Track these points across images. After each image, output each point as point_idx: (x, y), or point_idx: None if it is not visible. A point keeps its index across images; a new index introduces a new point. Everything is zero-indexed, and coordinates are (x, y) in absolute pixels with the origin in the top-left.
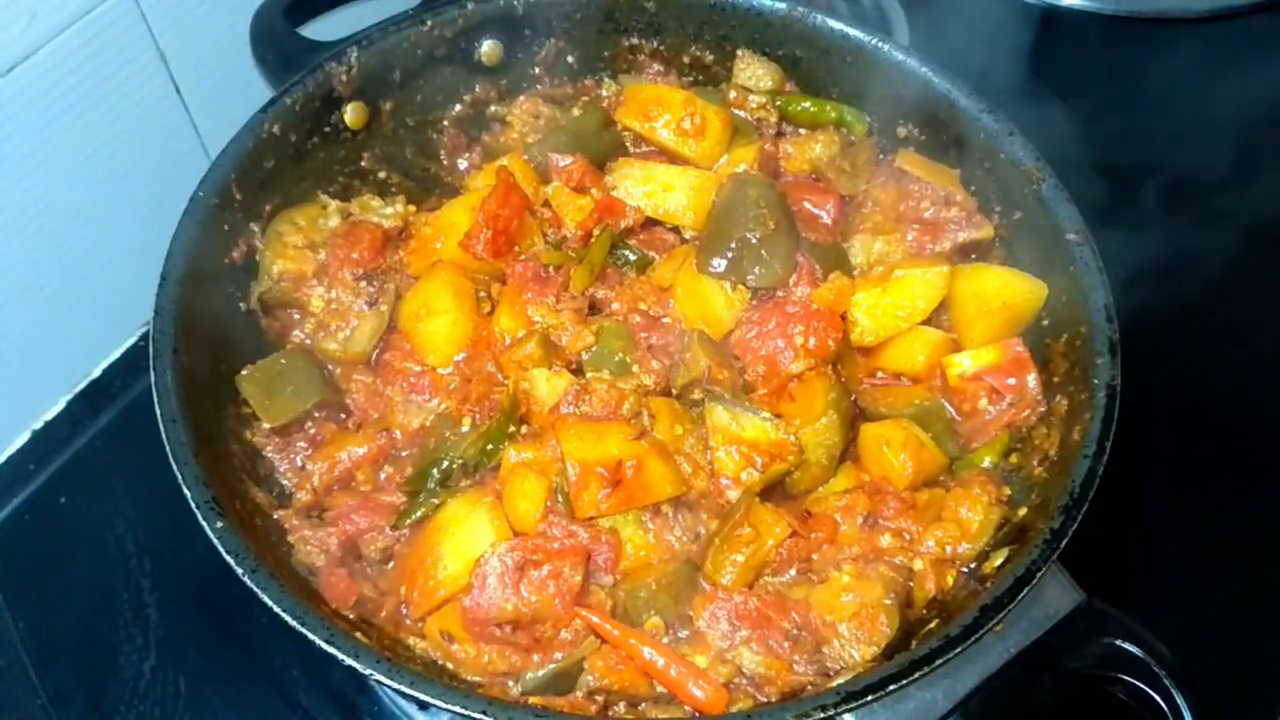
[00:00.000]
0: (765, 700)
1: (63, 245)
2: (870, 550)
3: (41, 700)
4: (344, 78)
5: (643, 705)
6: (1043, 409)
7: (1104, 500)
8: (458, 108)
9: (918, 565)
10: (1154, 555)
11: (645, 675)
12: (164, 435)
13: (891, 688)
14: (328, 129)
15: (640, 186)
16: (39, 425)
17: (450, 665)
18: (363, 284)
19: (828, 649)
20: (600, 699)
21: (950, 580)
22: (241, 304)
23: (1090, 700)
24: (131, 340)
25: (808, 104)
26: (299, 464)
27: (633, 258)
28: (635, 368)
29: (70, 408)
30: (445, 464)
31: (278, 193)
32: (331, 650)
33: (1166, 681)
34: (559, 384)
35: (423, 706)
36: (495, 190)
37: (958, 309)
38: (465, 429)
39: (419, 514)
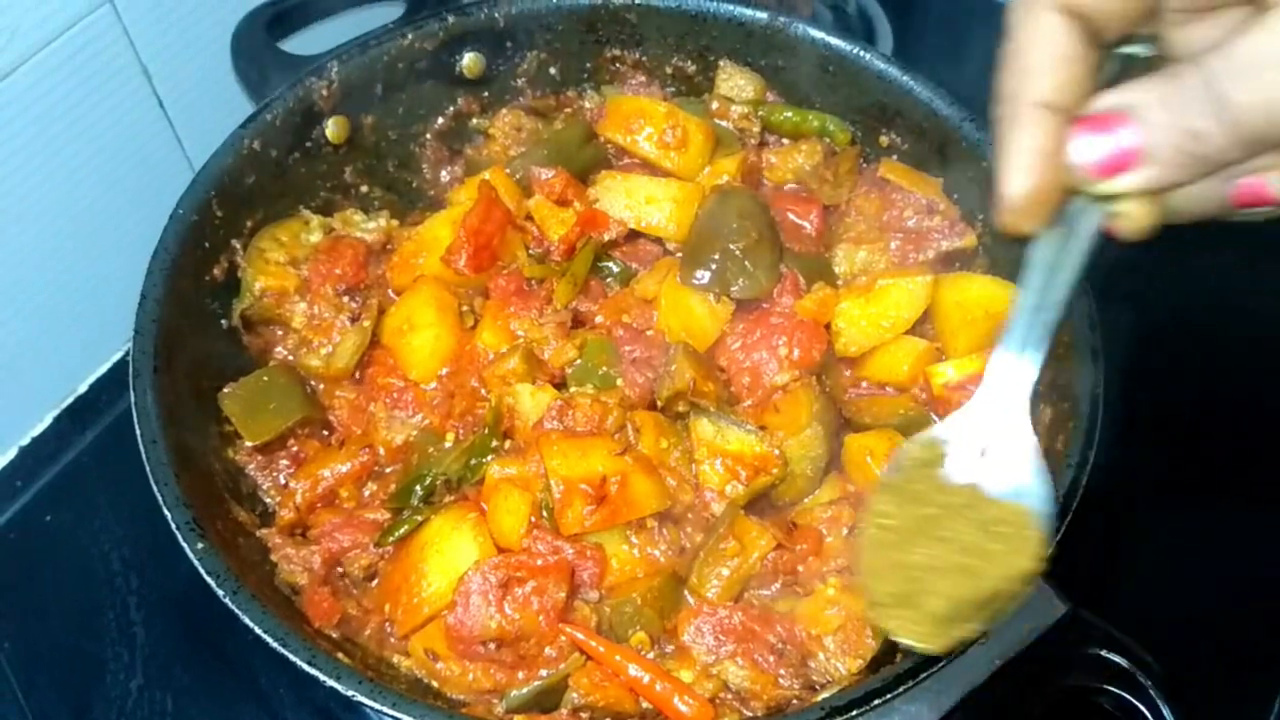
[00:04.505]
0: (751, 715)
1: (48, 261)
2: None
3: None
4: (325, 92)
5: None
6: None
7: (1088, 510)
8: (440, 121)
9: None
10: (1139, 565)
11: (630, 691)
12: (144, 456)
13: (876, 702)
14: (309, 144)
15: (623, 199)
16: (25, 442)
17: (435, 684)
18: (345, 299)
19: (813, 662)
20: (585, 716)
21: None
22: (223, 321)
23: (1076, 712)
24: (118, 356)
25: (790, 114)
26: (282, 482)
27: (616, 270)
28: (619, 381)
29: (57, 424)
30: (429, 480)
31: (259, 209)
32: (313, 672)
33: (1152, 692)
34: (543, 398)
35: None
36: (477, 205)
37: (941, 318)
38: (449, 444)
39: (402, 531)
